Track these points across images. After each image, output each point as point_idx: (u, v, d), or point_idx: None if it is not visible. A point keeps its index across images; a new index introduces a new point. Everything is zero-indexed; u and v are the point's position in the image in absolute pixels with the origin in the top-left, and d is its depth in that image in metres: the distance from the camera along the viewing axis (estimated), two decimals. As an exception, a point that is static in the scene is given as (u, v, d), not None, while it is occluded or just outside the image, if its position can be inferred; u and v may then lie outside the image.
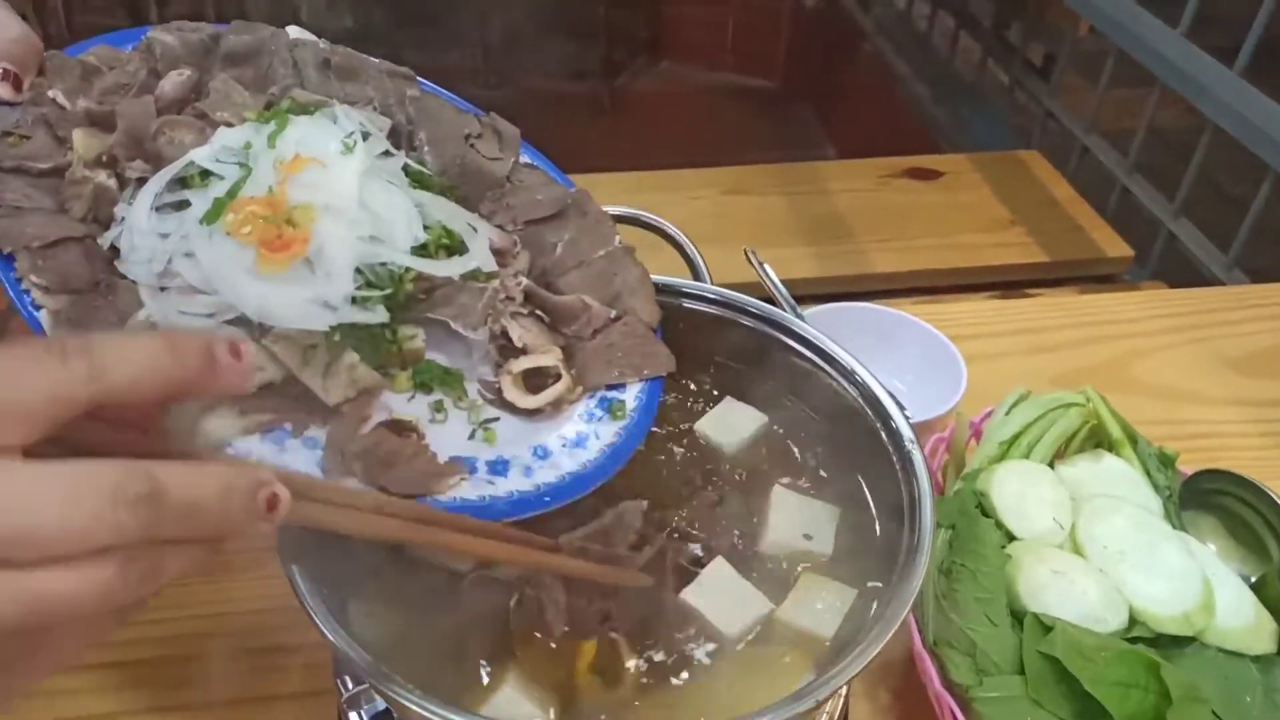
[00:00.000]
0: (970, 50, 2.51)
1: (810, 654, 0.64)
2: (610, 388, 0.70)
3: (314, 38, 0.77)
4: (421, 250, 0.65)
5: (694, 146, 2.50)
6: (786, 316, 0.76)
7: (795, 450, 0.76)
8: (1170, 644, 0.77)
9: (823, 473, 0.74)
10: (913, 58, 2.65)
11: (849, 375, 0.73)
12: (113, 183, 0.60)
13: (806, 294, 0.88)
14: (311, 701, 0.82)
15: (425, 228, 0.66)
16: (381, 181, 0.65)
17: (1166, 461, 0.89)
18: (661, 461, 0.75)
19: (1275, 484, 0.84)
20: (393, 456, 0.59)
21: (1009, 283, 1.87)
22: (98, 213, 0.60)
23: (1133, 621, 0.77)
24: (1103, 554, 0.81)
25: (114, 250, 0.60)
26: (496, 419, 0.67)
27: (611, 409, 0.69)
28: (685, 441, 0.76)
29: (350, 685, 0.71)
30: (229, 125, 0.65)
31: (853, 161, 2.19)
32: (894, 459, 0.68)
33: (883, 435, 0.70)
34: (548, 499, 0.62)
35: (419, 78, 0.79)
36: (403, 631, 0.64)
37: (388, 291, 0.62)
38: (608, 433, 0.67)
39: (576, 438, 0.66)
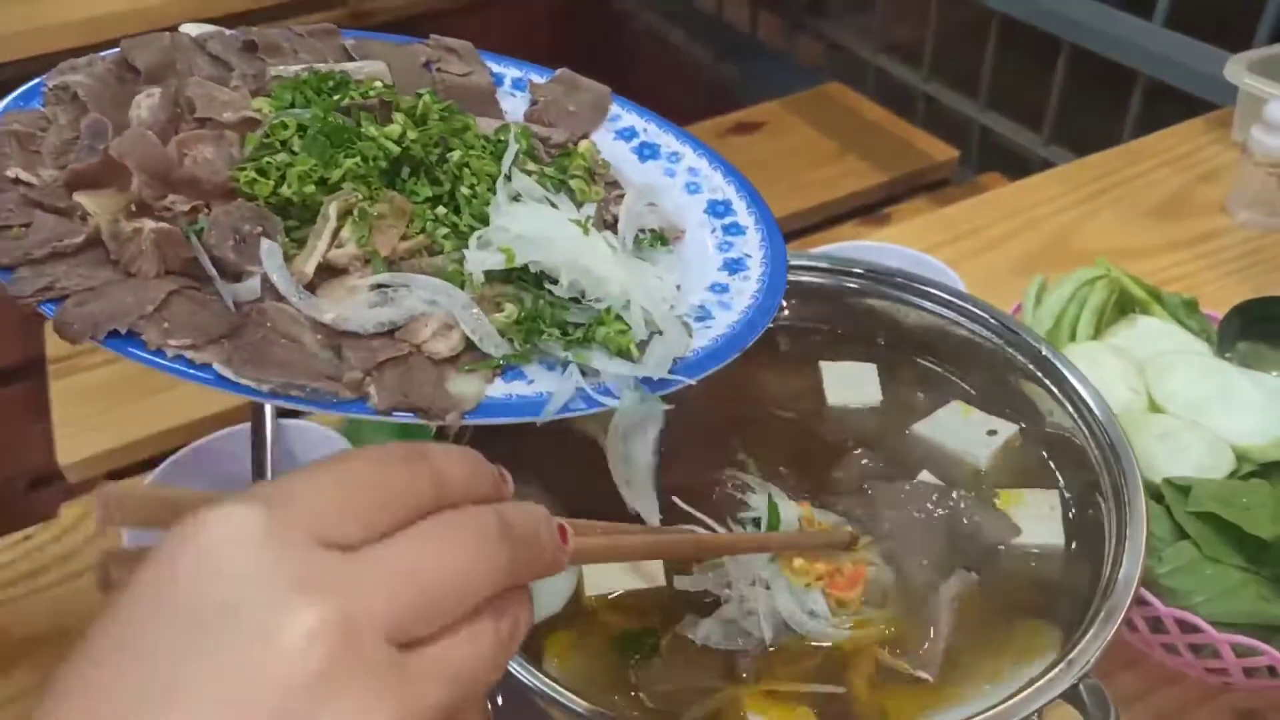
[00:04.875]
0: (737, 2, 2.56)
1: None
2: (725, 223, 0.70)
3: (215, 28, 0.69)
4: None
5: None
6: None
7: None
8: (1275, 471, 0.79)
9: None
10: (683, 23, 2.67)
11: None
12: (166, 225, 0.52)
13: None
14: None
15: None
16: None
17: (1191, 307, 0.91)
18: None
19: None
20: None
21: (865, 206, 1.93)
22: (168, 263, 0.52)
23: (1239, 460, 0.79)
24: (1186, 407, 0.82)
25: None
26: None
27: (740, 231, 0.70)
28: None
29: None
30: (232, 126, 0.59)
31: (675, 131, 2.17)
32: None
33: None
34: (762, 320, 0.62)
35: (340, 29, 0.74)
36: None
37: None
38: (755, 249, 0.68)
39: (737, 262, 0.67)
